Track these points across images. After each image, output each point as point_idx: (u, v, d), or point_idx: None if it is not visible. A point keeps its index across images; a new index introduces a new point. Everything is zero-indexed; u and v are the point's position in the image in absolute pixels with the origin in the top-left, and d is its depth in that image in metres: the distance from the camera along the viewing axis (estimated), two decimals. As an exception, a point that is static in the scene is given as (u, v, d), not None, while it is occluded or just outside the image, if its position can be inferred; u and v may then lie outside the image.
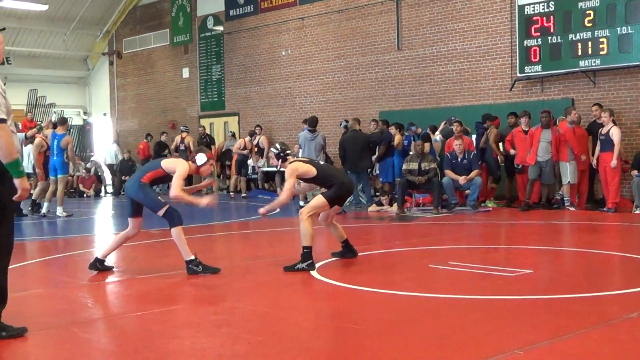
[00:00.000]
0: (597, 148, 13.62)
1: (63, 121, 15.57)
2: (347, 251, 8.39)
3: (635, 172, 13.36)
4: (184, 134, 21.92)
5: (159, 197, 7.63)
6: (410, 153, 14.94)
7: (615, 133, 13.32)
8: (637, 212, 13.08)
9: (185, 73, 24.68)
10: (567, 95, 15.58)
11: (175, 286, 7.05)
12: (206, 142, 21.42)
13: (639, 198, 13.19)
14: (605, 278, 7.43)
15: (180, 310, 5.90)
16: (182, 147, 21.94)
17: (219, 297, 6.53)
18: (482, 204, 14.76)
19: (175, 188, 7.42)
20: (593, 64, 14.88)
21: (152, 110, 26.02)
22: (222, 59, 23.25)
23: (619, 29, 14.47)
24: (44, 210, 14.96)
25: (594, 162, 13.64)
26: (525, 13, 15.73)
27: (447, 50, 17.41)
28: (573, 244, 10.08)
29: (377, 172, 16.39)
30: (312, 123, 15.15)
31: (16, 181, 4.81)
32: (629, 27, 14.34)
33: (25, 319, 5.69)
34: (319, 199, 7.97)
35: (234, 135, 21.56)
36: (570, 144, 13.80)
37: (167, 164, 7.68)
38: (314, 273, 7.52)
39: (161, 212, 7.51)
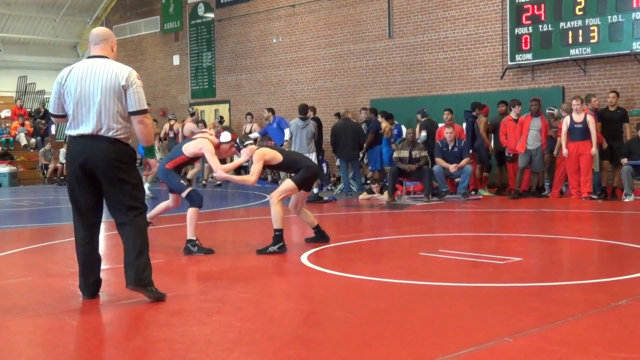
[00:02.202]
0: (564, 138, 13.65)
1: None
2: (320, 237, 8.58)
3: (625, 161, 13.41)
4: (173, 122, 21.88)
5: (182, 181, 8.20)
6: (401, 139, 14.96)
7: (591, 121, 13.42)
8: (626, 200, 13.14)
9: (176, 60, 24.60)
10: (558, 83, 15.61)
11: (166, 274, 7.04)
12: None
13: (629, 186, 13.25)
14: (594, 266, 7.47)
15: (171, 298, 5.90)
16: (171, 135, 21.90)
17: (210, 285, 6.54)
18: (473, 192, 14.80)
19: (217, 168, 7.98)
20: (583, 53, 14.91)
21: (143, 98, 25.90)
22: (213, 46, 23.18)
23: (609, 17, 14.49)
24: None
25: (565, 152, 13.67)
26: (516, 1, 15.74)
27: (438, 38, 17.40)
28: (562, 232, 10.11)
29: (366, 160, 16.43)
30: (303, 111, 15.14)
31: (151, 161, 6.01)
32: (620, 16, 14.37)
33: (16, 307, 5.69)
34: (287, 183, 8.24)
35: (221, 121, 21.25)
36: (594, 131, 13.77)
37: (188, 148, 8.10)
38: (304, 261, 7.54)
39: (184, 194, 8.11)
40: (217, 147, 8.15)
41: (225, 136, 8.12)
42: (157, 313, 5.47)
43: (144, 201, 5.95)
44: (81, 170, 5.64)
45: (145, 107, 5.72)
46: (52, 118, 6.02)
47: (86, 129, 5.57)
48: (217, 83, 23.21)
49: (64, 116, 5.76)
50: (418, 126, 15.59)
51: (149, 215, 7.94)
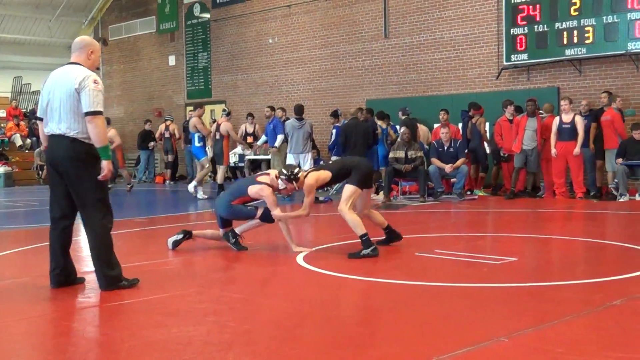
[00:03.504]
0: (553, 138, 13.72)
1: (196, 107, 16.79)
2: (392, 237, 8.46)
3: (619, 161, 13.44)
4: (168, 122, 21.94)
5: (249, 207, 8.38)
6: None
7: (579, 122, 13.49)
8: (621, 200, 13.17)
9: (172, 61, 24.58)
10: (553, 83, 15.64)
11: (161, 275, 7.04)
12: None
13: (624, 186, 13.28)
14: (589, 265, 7.48)
15: (166, 298, 5.90)
16: (166, 135, 21.93)
17: (206, 286, 6.53)
18: (468, 193, 14.82)
19: (275, 211, 8.15)
20: (579, 53, 14.94)
21: (138, 98, 25.92)
22: (209, 46, 23.17)
23: (604, 17, 14.52)
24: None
25: (553, 152, 13.74)
26: (512, 1, 15.76)
27: (434, 38, 17.42)
28: (558, 232, 10.13)
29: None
30: (299, 111, 15.12)
31: (103, 162, 6.05)
32: (615, 16, 14.39)
33: (11, 308, 5.68)
34: (347, 188, 7.98)
35: (229, 114, 20.52)
36: (619, 131, 13.79)
37: (252, 190, 8.25)
38: (300, 261, 7.54)
39: (259, 215, 8.31)
40: (276, 189, 8.30)
41: (281, 184, 8.17)
42: (152, 314, 5.47)
43: (105, 201, 6.22)
44: (51, 168, 6.23)
45: (97, 109, 5.98)
46: (37, 121, 6.46)
47: (52, 129, 6.10)
48: (212, 83, 23.20)
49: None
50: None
51: (239, 229, 8.46)
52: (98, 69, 6.46)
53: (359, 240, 7.80)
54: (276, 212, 8.16)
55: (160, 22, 24.82)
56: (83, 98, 5.94)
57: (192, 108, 20.34)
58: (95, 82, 6.02)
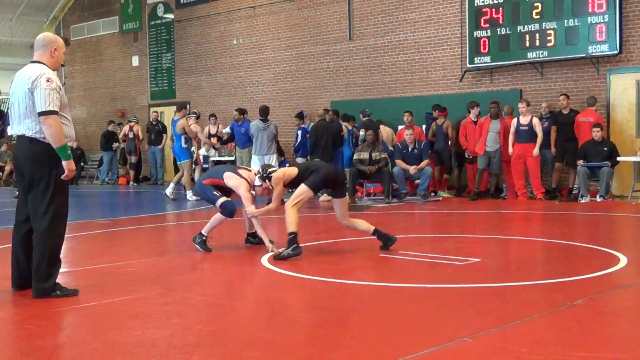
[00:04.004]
0: (511, 138, 13.93)
1: (180, 107, 16.34)
2: (384, 240, 8.23)
3: (580, 162, 13.62)
4: (133, 123, 21.80)
5: (215, 192, 8.42)
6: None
7: (537, 124, 13.69)
8: (582, 201, 13.34)
9: (135, 61, 24.37)
10: (516, 86, 15.80)
11: (124, 277, 6.98)
12: (158, 129, 21.14)
13: (585, 188, 13.46)
14: (551, 266, 7.56)
15: (129, 301, 5.84)
16: (130, 136, 21.78)
17: (170, 288, 6.48)
18: (432, 194, 14.91)
19: (249, 207, 8.21)
20: (541, 56, 15.12)
21: (101, 99, 25.66)
22: (173, 47, 23.02)
23: (565, 21, 14.71)
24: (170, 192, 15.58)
25: (510, 150, 13.97)
26: (475, 4, 15.89)
27: (398, 40, 17.50)
28: (520, 233, 10.24)
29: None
30: (264, 112, 15.10)
31: (64, 163, 5.90)
32: (576, 20, 14.59)
33: (-30, 311, 5.59)
34: (300, 187, 7.99)
35: (198, 116, 20.30)
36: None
37: (229, 180, 8.36)
38: (265, 262, 7.52)
39: (218, 203, 8.35)
40: (252, 186, 8.43)
41: (257, 182, 8.33)
42: (116, 316, 5.42)
43: (59, 204, 5.99)
44: (16, 168, 6.23)
45: (49, 108, 5.82)
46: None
47: (15, 129, 6.09)
48: (176, 84, 23.05)
49: None
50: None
51: (205, 229, 8.44)
52: (63, 65, 6.37)
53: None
54: (250, 209, 8.17)
55: (123, 22, 24.60)
56: (36, 98, 5.83)
57: (196, 113, 20.07)
58: (48, 80, 5.86)
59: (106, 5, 25.21)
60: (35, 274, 5.94)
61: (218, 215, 8.41)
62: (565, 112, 14.26)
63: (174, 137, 15.75)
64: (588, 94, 14.58)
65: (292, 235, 7.73)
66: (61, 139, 5.89)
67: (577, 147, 14.07)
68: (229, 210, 8.31)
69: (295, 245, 7.72)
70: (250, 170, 8.63)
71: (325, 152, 15.10)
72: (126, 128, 21.96)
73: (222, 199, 8.34)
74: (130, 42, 24.54)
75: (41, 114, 5.82)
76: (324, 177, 8.00)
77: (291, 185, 8.20)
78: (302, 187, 7.95)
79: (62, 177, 5.96)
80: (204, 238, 8.40)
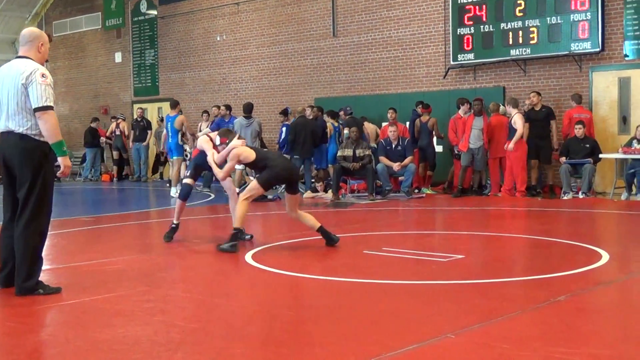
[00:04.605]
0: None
1: (175, 103, 16.08)
2: (328, 239, 8.27)
3: (563, 159, 13.69)
4: (120, 120, 21.74)
5: (186, 173, 9.06)
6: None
7: (517, 120, 13.74)
8: (565, 197, 13.41)
9: (118, 57, 24.25)
10: (499, 83, 15.85)
11: (107, 274, 6.95)
12: (143, 125, 21.07)
13: (567, 184, 13.53)
14: (534, 262, 7.60)
15: (112, 298, 5.82)
16: (117, 132, 21.71)
17: (153, 285, 6.46)
18: (416, 191, 14.93)
19: (211, 162, 8.45)
20: (524, 53, 15.17)
21: (84, 95, 25.52)
22: (156, 43, 22.92)
23: (548, 18, 14.76)
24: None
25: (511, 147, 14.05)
26: (459, 2, 15.92)
27: (382, 37, 17.51)
28: (504, 229, 10.28)
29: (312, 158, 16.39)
30: (247, 109, 15.07)
31: (60, 159, 5.94)
32: (558, 17, 14.65)
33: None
34: (252, 183, 8.20)
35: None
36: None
37: (201, 142, 8.73)
38: (248, 259, 7.51)
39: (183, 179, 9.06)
40: (214, 146, 8.56)
41: (217, 139, 8.49)
42: (98, 314, 5.39)
43: (44, 202, 5.95)
44: (4, 165, 6.05)
45: (46, 104, 5.81)
46: None
47: (3, 125, 5.95)
48: (160, 81, 22.96)
49: None
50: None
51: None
52: (47, 61, 6.31)
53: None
54: (211, 163, 8.45)
55: (106, 19, 24.46)
56: (31, 93, 5.78)
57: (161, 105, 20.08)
58: (43, 75, 5.84)
59: (89, 1, 25.05)
60: (18, 272, 5.88)
61: (177, 201, 9.03)
62: (537, 108, 14.30)
63: (169, 133, 15.66)
64: (571, 91, 14.65)
65: (235, 231, 7.93)
66: (57, 135, 5.91)
67: (550, 144, 14.16)
68: (183, 195, 8.85)
69: (234, 242, 7.91)
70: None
71: (305, 148, 15.15)
72: (113, 125, 21.87)
73: (185, 180, 8.90)
74: (113, 38, 24.41)
75: (38, 109, 5.78)
76: (275, 175, 8.19)
77: (247, 165, 8.49)
78: (254, 184, 8.18)
79: (58, 173, 5.99)
80: (173, 230, 8.86)
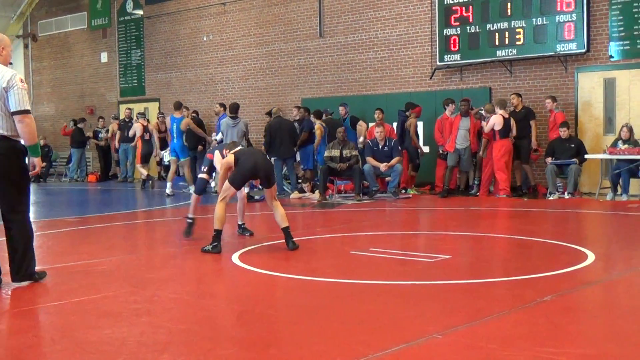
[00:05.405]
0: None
1: (179, 105, 16.32)
2: (288, 241, 8.16)
3: (549, 160, 13.75)
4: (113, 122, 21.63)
5: (204, 167, 9.04)
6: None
7: (490, 120, 13.86)
8: (551, 198, 13.47)
9: (104, 57, 24.16)
10: (485, 84, 15.90)
11: (93, 275, 6.92)
12: (131, 126, 20.92)
13: (553, 185, 13.59)
14: (521, 262, 7.63)
15: (99, 299, 5.80)
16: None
17: (140, 286, 6.44)
18: (403, 191, 14.95)
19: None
20: (510, 54, 15.22)
21: (70, 95, 25.41)
22: (142, 43, 22.85)
23: (534, 19, 14.83)
24: (168, 190, 15.69)
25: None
26: (445, 3, 15.96)
27: (369, 38, 17.53)
28: (490, 230, 10.31)
29: (299, 159, 16.41)
30: (234, 109, 15.07)
31: (35, 160, 6.29)
32: (544, 18, 14.72)
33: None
34: (225, 184, 8.21)
35: (144, 115, 20.22)
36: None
37: (214, 156, 8.86)
38: (235, 260, 7.51)
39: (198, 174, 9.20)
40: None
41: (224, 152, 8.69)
42: (85, 315, 5.37)
43: (28, 198, 6.39)
44: None
45: (25, 107, 6.10)
46: None
47: None
48: (146, 81, 22.89)
49: None
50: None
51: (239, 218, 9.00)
52: (11, 63, 6.49)
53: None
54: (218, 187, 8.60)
55: (92, 18, 24.36)
56: (11, 97, 6.03)
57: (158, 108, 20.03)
58: (21, 81, 6.13)
59: (74, 0, 24.95)
60: (22, 261, 6.26)
61: (194, 196, 9.18)
62: (518, 109, 14.38)
63: (174, 135, 15.73)
64: (556, 92, 14.72)
65: (216, 232, 7.99)
66: (35, 138, 6.22)
67: (529, 144, 14.23)
68: (199, 190, 9.08)
69: (216, 243, 7.95)
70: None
71: (282, 149, 15.24)
72: (115, 126, 21.48)
73: (199, 175, 9.04)
74: (99, 38, 24.32)
75: (19, 112, 6.05)
76: (242, 172, 8.15)
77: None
78: (226, 184, 8.19)
79: (30, 173, 6.29)
80: (191, 224, 9.07)
